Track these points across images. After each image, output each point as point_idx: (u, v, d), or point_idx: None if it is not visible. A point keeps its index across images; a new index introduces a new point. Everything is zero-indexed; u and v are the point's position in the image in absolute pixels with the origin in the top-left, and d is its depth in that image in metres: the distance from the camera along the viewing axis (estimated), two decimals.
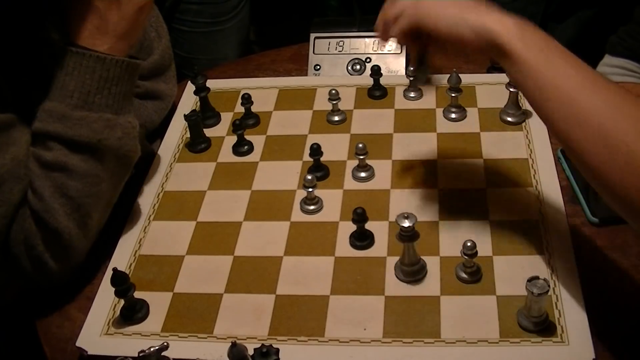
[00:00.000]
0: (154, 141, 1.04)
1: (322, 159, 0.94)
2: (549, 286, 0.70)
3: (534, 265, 0.79)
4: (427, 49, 0.79)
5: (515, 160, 0.93)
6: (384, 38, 0.80)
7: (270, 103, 1.09)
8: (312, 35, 1.16)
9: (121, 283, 0.77)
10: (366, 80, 1.09)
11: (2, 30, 0.80)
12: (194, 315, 0.79)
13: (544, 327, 0.72)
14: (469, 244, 0.76)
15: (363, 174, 0.93)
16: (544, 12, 1.35)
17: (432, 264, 0.81)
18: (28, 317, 0.83)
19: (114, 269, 0.77)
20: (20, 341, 0.87)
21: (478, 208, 0.87)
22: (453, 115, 1.01)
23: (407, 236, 0.76)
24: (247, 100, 1.04)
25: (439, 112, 1.03)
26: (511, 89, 0.97)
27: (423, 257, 0.80)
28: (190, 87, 1.10)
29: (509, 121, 0.99)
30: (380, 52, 1.13)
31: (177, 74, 1.09)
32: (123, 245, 0.88)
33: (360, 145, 0.91)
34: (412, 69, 1.03)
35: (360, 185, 0.93)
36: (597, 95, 0.62)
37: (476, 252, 0.76)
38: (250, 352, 0.69)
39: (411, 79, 1.05)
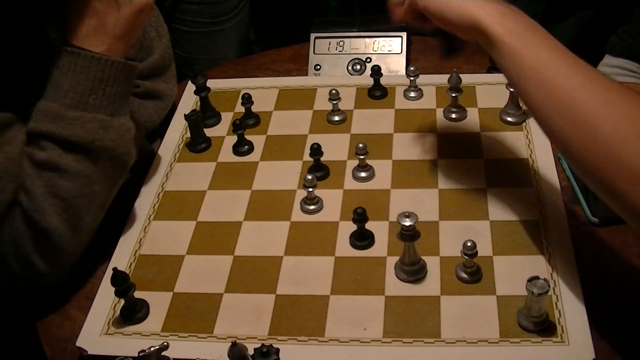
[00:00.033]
0: (154, 141, 1.04)
1: (322, 158, 0.94)
2: (549, 286, 0.70)
3: (534, 265, 0.79)
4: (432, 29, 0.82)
5: (515, 160, 0.93)
6: (395, 20, 0.83)
7: (270, 103, 1.09)
8: (312, 35, 1.16)
9: (121, 283, 0.77)
10: (366, 80, 1.09)
11: (2, 30, 0.80)
12: (194, 315, 0.79)
13: (544, 327, 0.72)
14: (469, 244, 0.76)
15: (363, 174, 0.94)
16: (544, 12, 1.35)
17: (432, 264, 0.81)
18: (28, 317, 0.83)
19: (114, 269, 0.77)
20: (20, 341, 0.87)
21: (478, 208, 0.87)
22: (453, 115, 1.01)
23: (408, 235, 0.76)
24: (247, 100, 1.04)
25: (439, 112, 1.03)
26: (511, 89, 0.97)
27: (423, 257, 0.80)
28: (190, 87, 1.10)
29: (509, 121, 0.99)
30: (380, 52, 1.14)
31: (177, 74, 1.09)
32: (123, 245, 0.88)
33: (361, 145, 0.91)
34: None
35: (360, 185, 0.93)
36: (573, 77, 0.65)
37: (476, 252, 0.76)
38: (251, 352, 0.69)
39: (411, 79, 1.05)
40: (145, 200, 0.94)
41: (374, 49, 1.14)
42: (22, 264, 0.78)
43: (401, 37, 1.13)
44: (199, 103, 1.08)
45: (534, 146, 0.95)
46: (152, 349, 0.71)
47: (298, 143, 1.00)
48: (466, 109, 1.02)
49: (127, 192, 0.94)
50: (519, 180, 0.90)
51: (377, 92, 1.07)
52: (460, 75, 0.99)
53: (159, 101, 1.03)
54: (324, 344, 0.75)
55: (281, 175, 0.96)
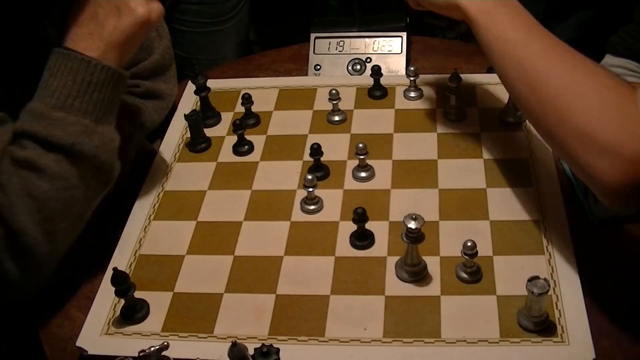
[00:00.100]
0: (154, 141, 1.04)
1: (322, 158, 0.94)
2: (549, 286, 0.70)
3: (534, 265, 0.79)
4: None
5: (515, 160, 0.93)
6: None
7: (270, 103, 1.09)
8: (313, 35, 1.16)
9: (121, 283, 0.77)
10: (366, 80, 1.09)
11: (1, 29, 0.80)
12: (194, 315, 0.79)
13: (544, 327, 0.73)
14: (469, 244, 0.76)
15: (363, 174, 0.94)
16: (544, 12, 1.35)
17: (432, 264, 0.81)
18: (28, 317, 0.83)
19: (114, 269, 0.77)
20: (20, 341, 0.87)
21: (478, 208, 0.87)
22: (453, 116, 1.01)
23: (414, 238, 0.76)
24: (247, 100, 1.04)
25: (439, 112, 1.03)
26: None
27: (423, 257, 0.80)
28: (190, 87, 1.10)
29: (509, 121, 0.99)
30: (380, 52, 1.14)
31: (177, 74, 1.09)
32: (123, 245, 0.88)
33: (361, 145, 0.91)
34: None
35: (360, 185, 0.93)
36: (533, 46, 0.73)
37: (476, 252, 0.76)
38: (251, 351, 0.69)
39: (411, 79, 1.05)
40: (145, 200, 0.94)
41: (374, 49, 1.14)
42: None
43: (401, 37, 1.13)
44: (199, 103, 1.08)
45: (534, 146, 0.95)
46: (152, 349, 0.71)
47: (298, 143, 1.00)
48: (466, 109, 1.02)
49: (127, 192, 0.94)
50: (519, 180, 0.90)
51: (377, 92, 1.07)
52: (460, 75, 0.99)
53: (159, 101, 1.03)
54: (324, 344, 0.75)
55: (281, 175, 0.96)
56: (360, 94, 1.08)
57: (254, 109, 1.05)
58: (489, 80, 1.07)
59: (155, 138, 1.04)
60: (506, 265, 0.80)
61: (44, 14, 0.84)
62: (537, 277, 0.71)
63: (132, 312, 0.79)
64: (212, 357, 0.74)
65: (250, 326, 0.77)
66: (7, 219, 0.74)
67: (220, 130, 1.05)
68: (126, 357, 0.72)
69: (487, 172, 0.92)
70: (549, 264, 0.79)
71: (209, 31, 1.51)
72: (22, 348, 0.87)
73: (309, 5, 1.89)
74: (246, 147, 1.00)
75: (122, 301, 0.79)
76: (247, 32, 1.65)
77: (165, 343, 0.71)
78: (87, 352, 0.76)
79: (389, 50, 1.13)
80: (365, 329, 0.75)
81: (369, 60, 1.14)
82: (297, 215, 0.90)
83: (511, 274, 0.79)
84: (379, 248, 0.84)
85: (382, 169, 0.94)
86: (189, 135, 1.02)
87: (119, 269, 0.77)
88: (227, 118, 1.07)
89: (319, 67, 1.15)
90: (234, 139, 1.01)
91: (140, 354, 0.70)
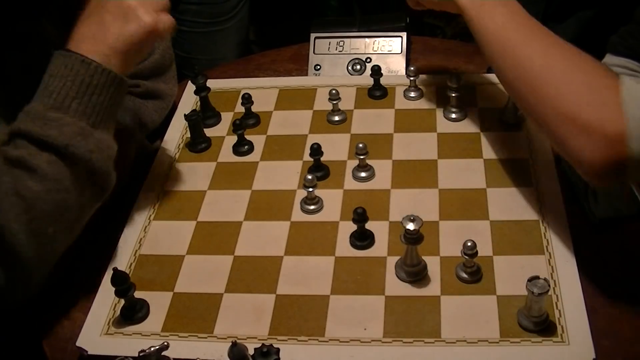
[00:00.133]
0: (154, 141, 1.04)
1: (322, 158, 0.94)
2: (549, 286, 0.70)
3: (534, 265, 0.79)
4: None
5: (515, 160, 0.93)
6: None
7: (270, 103, 1.09)
8: (312, 35, 1.16)
9: (121, 283, 0.77)
10: (366, 80, 1.09)
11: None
12: (194, 315, 0.79)
13: (544, 327, 0.73)
14: (469, 244, 0.76)
15: (363, 174, 0.94)
16: (544, 12, 1.35)
17: (432, 264, 0.81)
18: (28, 317, 0.83)
19: (114, 269, 0.77)
20: (20, 340, 0.87)
21: (478, 208, 0.87)
22: (453, 115, 1.01)
23: (412, 239, 0.76)
24: (247, 100, 1.04)
25: (439, 112, 1.03)
26: None
27: (423, 257, 0.80)
28: (190, 87, 1.10)
29: (509, 121, 0.99)
30: (380, 52, 1.14)
31: (177, 74, 1.09)
32: (123, 245, 0.88)
33: (361, 145, 0.91)
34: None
35: (360, 185, 0.93)
36: (519, 33, 0.78)
37: (476, 252, 0.76)
38: (251, 351, 0.69)
39: (411, 79, 1.05)
40: (145, 200, 0.94)
41: (374, 49, 1.14)
42: None
43: (401, 37, 1.13)
44: (199, 103, 1.08)
45: (534, 146, 0.95)
46: (152, 349, 0.71)
47: (298, 143, 1.00)
48: (466, 108, 1.02)
49: (127, 192, 0.94)
50: (519, 180, 0.90)
51: (377, 92, 1.07)
52: (460, 75, 0.99)
53: (160, 101, 1.03)
54: (324, 343, 0.75)
55: (281, 175, 0.96)
56: (360, 94, 1.08)
57: (254, 109, 1.05)
58: (489, 80, 1.07)
59: (155, 138, 1.04)
60: (506, 265, 0.80)
61: (41, 11, 0.84)
62: (537, 277, 0.71)
63: (132, 312, 0.79)
64: (212, 357, 0.74)
65: (250, 326, 0.77)
66: None
67: (220, 130, 1.05)
68: (126, 357, 0.72)
69: (487, 172, 0.92)
70: (549, 264, 0.79)
71: (209, 31, 1.51)
72: (22, 348, 0.87)
73: (309, 5, 1.89)
74: (246, 147, 1.00)
75: (122, 301, 0.79)
76: (247, 32, 1.65)
77: (165, 343, 0.71)
78: (87, 352, 0.76)
79: (389, 50, 1.13)
80: (365, 329, 0.75)
81: (369, 60, 1.13)
82: (297, 215, 0.90)
83: (511, 274, 0.79)
84: (379, 248, 0.84)
85: (382, 169, 0.94)
86: (189, 135, 1.02)
87: (119, 269, 0.77)
88: (227, 118, 1.07)
89: (319, 67, 1.15)
90: (234, 139, 1.01)
91: (140, 354, 0.70)
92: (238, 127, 0.99)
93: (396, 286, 0.79)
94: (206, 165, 0.99)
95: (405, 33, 1.13)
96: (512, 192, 0.89)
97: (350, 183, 0.93)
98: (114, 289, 0.77)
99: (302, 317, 0.77)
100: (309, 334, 0.76)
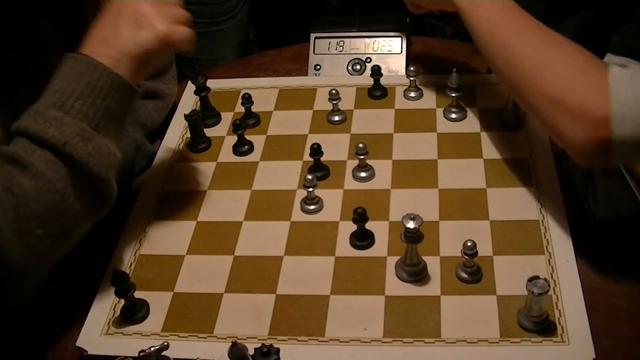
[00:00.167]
0: (154, 141, 1.04)
1: (322, 158, 0.94)
2: (549, 286, 0.70)
3: (534, 265, 0.79)
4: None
5: (515, 160, 0.93)
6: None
7: (270, 103, 1.09)
8: (312, 35, 1.16)
9: (121, 283, 0.77)
10: (366, 80, 1.09)
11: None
12: (194, 315, 0.79)
13: (544, 327, 0.73)
14: (469, 244, 0.76)
15: (363, 174, 0.94)
16: (544, 12, 1.35)
17: (432, 264, 0.81)
18: (28, 317, 0.83)
19: (114, 269, 0.77)
20: (20, 341, 0.87)
21: (478, 208, 0.87)
22: (453, 115, 1.01)
23: (412, 237, 0.76)
24: (247, 100, 1.04)
25: (439, 112, 1.03)
26: None
27: (423, 257, 0.80)
28: (190, 87, 1.10)
29: (509, 121, 0.99)
30: (380, 52, 1.13)
31: (177, 74, 1.09)
32: (123, 245, 0.88)
33: (361, 145, 0.91)
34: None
35: (360, 185, 0.93)
36: (510, 24, 0.82)
37: (476, 252, 0.76)
38: (251, 351, 0.69)
39: (411, 79, 1.05)
40: (145, 200, 0.94)
41: (374, 49, 1.14)
42: None
43: (401, 37, 1.13)
44: (199, 103, 1.08)
45: (534, 146, 0.95)
46: (152, 349, 0.71)
47: (298, 143, 1.00)
48: (466, 109, 1.02)
49: (127, 192, 0.94)
50: (519, 180, 0.90)
51: (377, 92, 1.07)
52: (460, 75, 0.99)
53: (160, 101, 1.03)
54: (324, 343, 0.75)
55: (281, 175, 0.96)
56: (360, 94, 1.08)
57: (254, 109, 1.05)
58: (489, 80, 1.07)
59: (155, 138, 1.04)
60: (506, 265, 0.80)
61: (41, 11, 0.84)
62: (537, 277, 0.71)
63: (132, 312, 0.79)
64: (212, 357, 0.74)
65: (250, 326, 0.77)
66: None
67: (220, 130, 1.05)
68: (126, 357, 0.72)
69: (487, 172, 0.92)
70: (549, 264, 0.79)
71: (209, 31, 1.50)
72: (22, 348, 0.87)
73: (309, 5, 1.89)
74: (246, 147, 1.00)
75: (122, 301, 0.79)
76: (247, 32, 1.65)
77: (165, 343, 0.71)
78: (87, 352, 0.76)
79: (389, 51, 1.13)
80: (365, 329, 0.75)
81: (369, 60, 1.13)
82: (297, 215, 0.90)
83: (511, 274, 0.79)
84: (379, 248, 0.84)
85: (382, 169, 0.94)
86: (189, 135, 1.02)
87: (119, 269, 0.77)
88: (227, 118, 1.07)
89: (319, 67, 1.15)
90: (234, 139, 1.01)
91: (140, 354, 0.70)
92: (238, 127, 0.99)
93: (396, 286, 0.79)
94: (206, 165, 0.99)
95: (405, 33, 1.13)
96: (512, 192, 0.89)
97: (350, 183, 0.93)
98: (114, 289, 0.77)
99: (302, 317, 0.77)
100: (309, 334, 0.76)
